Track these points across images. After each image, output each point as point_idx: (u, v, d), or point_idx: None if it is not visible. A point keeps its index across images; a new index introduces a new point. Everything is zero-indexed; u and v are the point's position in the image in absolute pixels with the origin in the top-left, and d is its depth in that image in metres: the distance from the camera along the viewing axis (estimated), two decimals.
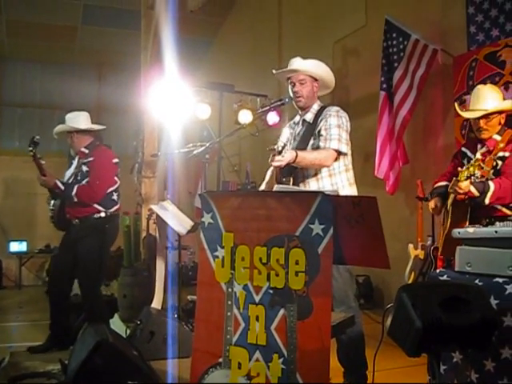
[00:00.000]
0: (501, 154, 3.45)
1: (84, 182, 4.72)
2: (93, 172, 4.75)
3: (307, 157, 3.30)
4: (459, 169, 3.39)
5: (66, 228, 4.90)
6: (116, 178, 4.90)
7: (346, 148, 3.39)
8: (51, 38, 11.65)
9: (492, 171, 3.39)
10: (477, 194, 3.34)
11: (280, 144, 3.08)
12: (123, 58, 11.60)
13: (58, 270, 4.96)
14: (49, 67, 12.61)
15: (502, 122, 3.61)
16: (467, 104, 4.92)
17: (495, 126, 3.58)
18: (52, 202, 4.86)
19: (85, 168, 4.78)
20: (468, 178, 3.24)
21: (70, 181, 4.79)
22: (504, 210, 3.45)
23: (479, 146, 3.66)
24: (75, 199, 4.66)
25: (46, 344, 4.69)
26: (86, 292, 4.77)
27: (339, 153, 3.37)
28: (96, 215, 4.74)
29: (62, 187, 4.68)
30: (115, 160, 4.95)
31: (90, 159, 4.79)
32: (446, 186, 3.71)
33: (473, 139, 3.85)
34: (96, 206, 4.72)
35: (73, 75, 12.48)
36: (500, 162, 3.45)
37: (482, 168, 3.23)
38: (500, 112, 3.59)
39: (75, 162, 4.93)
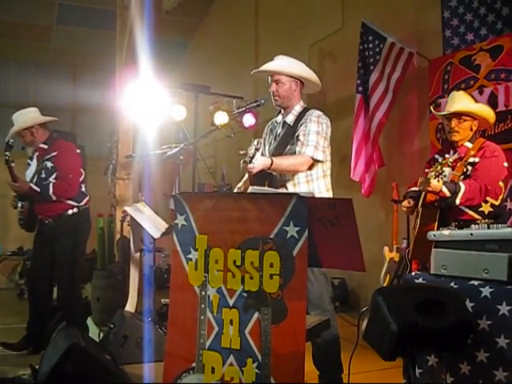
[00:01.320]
0: (471, 159, 3.55)
1: (51, 178, 4.59)
2: (62, 166, 4.63)
3: (282, 164, 3.27)
4: (426, 170, 3.43)
5: (35, 229, 4.79)
6: (81, 169, 4.81)
7: (321, 155, 3.37)
8: (26, 38, 11.51)
9: (462, 177, 3.50)
10: (448, 194, 3.39)
11: (251, 149, 3.02)
12: (98, 59, 11.49)
13: (35, 272, 4.83)
14: (23, 67, 12.46)
15: (474, 128, 3.68)
16: (442, 107, 4.97)
17: (466, 129, 3.66)
18: (20, 204, 4.73)
19: (49, 164, 4.64)
20: (436, 176, 3.29)
21: (34, 180, 4.64)
22: (471, 213, 3.50)
23: (451, 152, 3.73)
24: (53, 198, 4.55)
25: (21, 342, 4.60)
26: (64, 291, 4.69)
27: (315, 160, 3.35)
28: (69, 211, 4.65)
29: (38, 189, 4.55)
30: (78, 150, 4.89)
31: (53, 154, 4.65)
32: (419, 191, 3.74)
33: (447, 146, 3.92)
34: (69, 201, 4.64)
35: (48, 75, 12.35)
36: (470, 168, 3.53)
37: (449, 166, 3.32)
38: (473, 118, 3.66)
39: (34, 160, 4.76)
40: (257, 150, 2.98)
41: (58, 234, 4.63)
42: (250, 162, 3.00)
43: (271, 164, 3.17)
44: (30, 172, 4.77)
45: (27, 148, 4.80)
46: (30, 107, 4.79)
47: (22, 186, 4.57)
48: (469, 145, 3.64)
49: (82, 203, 4.75)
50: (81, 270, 4.92)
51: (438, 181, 3.33)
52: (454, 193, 3.38)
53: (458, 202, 3.39)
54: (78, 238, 4.71)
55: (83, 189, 4.80)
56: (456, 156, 3.64)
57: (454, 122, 3.65)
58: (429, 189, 3.38)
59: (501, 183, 3.55)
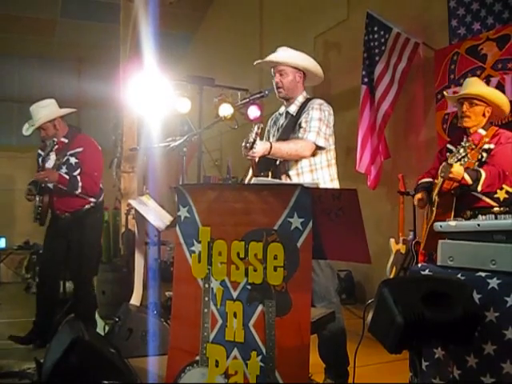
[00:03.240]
0: (486, 146, 3.45)
1: (74, 174, 4.57)
2: (88, 163, 4.64)
3: (282, 148, 3.22)
4: (447, 154, 3.38)
5: (45, 223, 4.77)
6: None
7: (323, 142, 3.31)
8: (30, 32, 11.50)
9: (477, 163, 3.40)
10: (470, 181, 3.29)
11: (252, 135, 2.98)
12: (103, 52, 11.46)
13: (49, 265, 4.79)
14: (27, 61, 12.45)
15: (487, 115, 3.59)
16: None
17: (478, 114, 3.57)
18: (37, 198, 4.64)
19: (73, 159, 4.61)
20: (458, 160, 3.18)
21: None
22: (487, 200, 3.44)
23: (465, 139, 3.61)
24: (79, 191, 4.55)
25: (28, 335, 4.59)
26: (82, 285, 4.73)
27: (317, 147, 3.31)
28: (86, 206, 4.67)
29: (67, 177, 4.52)
30: (99, 147, 4.90)
31: (79, 150, 4.63)
32: (430, 182, 3.71)
33: (458, 135, 3.82)
34: (89, 197, 4.66)
35: (52, 69, 12.33)
36: (485, 155, 3.44)
37: (473, 149, 3.20)
38: (486, 104, 3.57)
39: (52, 154, 4.69)
40: (257, 134, 2.95)
41: (75, 229, 4.63)
42: (252, 147, 2.97)
43: (270, 148, 3.14)
44: (48, 165, 4.67)
45: (47, 141, 4.72)
46: (34, 101, 4.74)
47: (50, 174, 4.51)
48: (482, 132, 3.54)
49: (100, 199, 4.79)
50: (93, 265, 4.93)
51: (461, 164, 3.21)
52: (476, 180, 3.28)
53: (479, 188, 3.30)
54: (94, 233, 4.75)
55: (101, 185, 4.85)
56: (469, 144, 3.55)
57: (465, 106, 3.57)
58: (450, 175, 3.25)
59: None
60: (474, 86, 3.67)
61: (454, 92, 4.87)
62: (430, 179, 3.76)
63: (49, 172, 4.52)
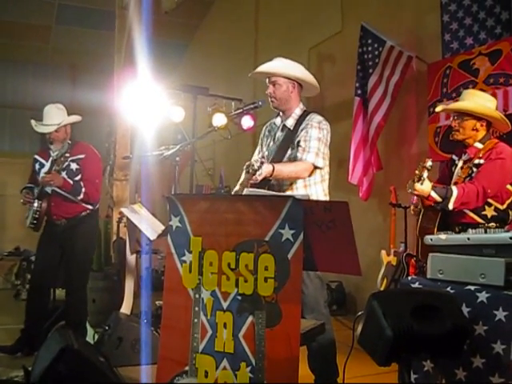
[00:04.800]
0: (477, 161, 3.44)
1: (74, 180, 4.55)
2: (90, 171, 4.63)
3: (284, 170, 3.26)
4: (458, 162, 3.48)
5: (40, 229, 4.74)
6: None
7: (322, 162, 3.36)
8: (24, 37, 11.49)
9: (468, 178, 3.41)
10: (439, 199, 3.31)
11: (256, 161, 3.03)
12: (97, 59, 11.47)
13: (43, 272, 4.72)
14: (22, 67, 12.43)
15: (480, 129, 3.51)
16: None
17: (468, 128, 3.51)
18: (36, 203, 4.57)
19: (74, 166, 4.58)
20: (418, 180, 3.24)
21: None
22: (474, 216, 3.41)
23: (463, 154, 3.61)
24: (81, 197, 4.53)
25: (15, 345, 4.52)
26: (73, 292, 4.67)
27: (315, 167, 3.34)
28: (83, 213, 4.64)
29: (71, 182, 4.49)
30: (99, 155, 4.91)
31: (81, 156, 4.61)
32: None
33: (460, 148, 3.75)
34: (86, 204, 4.63)
35: (46, 75, 12.32)
36: (475, 170, 3.43)
37: (428, 170, 3.24)
38: (477, 118, 3.50)
39: (51, 159, 4.63)
40: (262, 163, 3.00)
41: (71, 236, 4.59)
42: (255, 172, 3.00)
43: (273, 171, 3.16)
44: (44, 170, 4.63)
45: (54, 145, 4.68)
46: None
47: (55, 178, 4.43)
48: (479, 145, 3.50)
49: (97, 206, 4.78)
50: (86, 273, 4.89)
51: (422, 184, 3.25)
52: (445, 198, 3.29)
53: (450, 207, 3.29)
54: (89, 240, 4.73)
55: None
56: (466, 157, 3.55)
57: (454, 121, 3.56)
58: (415, 192, 3.31)
59: (509, 187, 3.41)
60: (466, 99, 3.63)
61: None
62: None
63: (54, 175, 4.45)
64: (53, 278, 4.76)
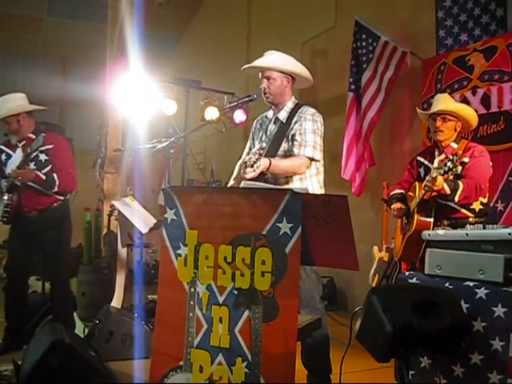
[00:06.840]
0: (465, 159, 3.54)
1: (43, 171, 4.45)
2: (61, 160, 4.53)
3: (280, 165, 3.24)
4: (432, 166, 3.55)
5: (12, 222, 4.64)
6: None
7: (319, 155, 3.34)
8: (15, 29, 11.38)
9: (452, 176, 3.49)
10: (449, 191, 3.43)
11: (255, 153, 3.00)
12: (89, 51, 11.36)
13: (18, 266, 4.65)
14: (12, 58, 12.30)
15: (458, 129, 3.76)
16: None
17: (450, 129, 3.73)
18: (6, 196, 4.47)
19: (43, 157, 4.47)
20: (446, 172, 3.29)
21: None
22: (464, 211, 3.59)
23: (437, 153, 3.80)
24: (56, 189, 4.46)
25: (2, 344, 4.43)
26: (59, 284, 4.64)
27: (313, 160, 3.32)
28: (55, 204, 4.56)
29: (44, 177, 4.42)
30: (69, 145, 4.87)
31: (49, 147, 4.49)
32: (402, 193, 3.91)
33: (428, 148, 4.05)
34: (56, 194, 4.54)
35: (37, 67, 12.22)
36: (460, 168, 3.49)
37: (455, 165, 3.28)
38: (457, 118, 3.72)
39: (19, 150, 4.55)
40: (260, 155, 2.97)
41: (45, 227, 4.52)
42: (252, 166, 2.97)
43: (269, 165, 3.13)
44: (13, 161, 4.53)
45: (11, 136, 4.62)
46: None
47: (27, 173, 4.37)
48: (454, 145, 3.74)
49: (67, 196, 4.68)
50: (67, 263, 4.84)
51: (444, 179, 3.38)
52: (454, 190, 3.43)
53: (456, 199, 3.45)
54: (64, 231, 4.64)
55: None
56: (443, 156, 3.67)
57: (438, 122, 3.72)
58: (434, 188, 3.38)
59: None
60: (446, 102, 3.83)
61: None
62: (402, 191, 3.95)
63: (27, 171, 4.38)
64: (28, 271, 4.76)
